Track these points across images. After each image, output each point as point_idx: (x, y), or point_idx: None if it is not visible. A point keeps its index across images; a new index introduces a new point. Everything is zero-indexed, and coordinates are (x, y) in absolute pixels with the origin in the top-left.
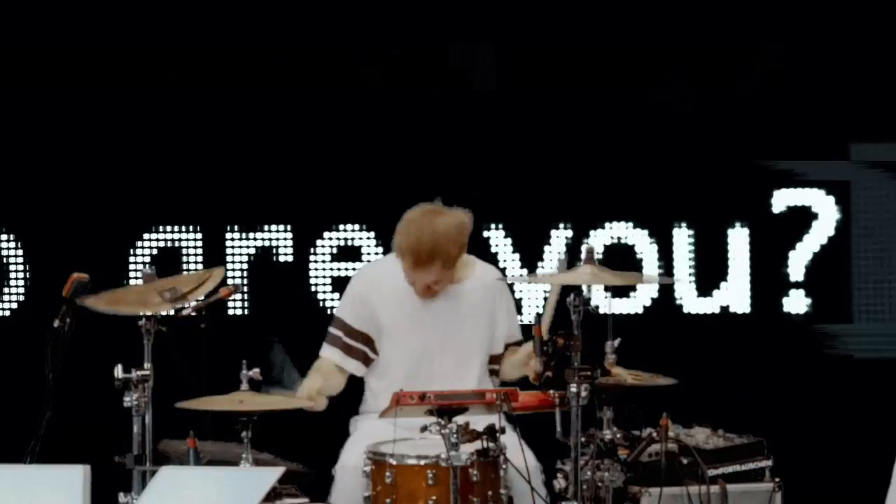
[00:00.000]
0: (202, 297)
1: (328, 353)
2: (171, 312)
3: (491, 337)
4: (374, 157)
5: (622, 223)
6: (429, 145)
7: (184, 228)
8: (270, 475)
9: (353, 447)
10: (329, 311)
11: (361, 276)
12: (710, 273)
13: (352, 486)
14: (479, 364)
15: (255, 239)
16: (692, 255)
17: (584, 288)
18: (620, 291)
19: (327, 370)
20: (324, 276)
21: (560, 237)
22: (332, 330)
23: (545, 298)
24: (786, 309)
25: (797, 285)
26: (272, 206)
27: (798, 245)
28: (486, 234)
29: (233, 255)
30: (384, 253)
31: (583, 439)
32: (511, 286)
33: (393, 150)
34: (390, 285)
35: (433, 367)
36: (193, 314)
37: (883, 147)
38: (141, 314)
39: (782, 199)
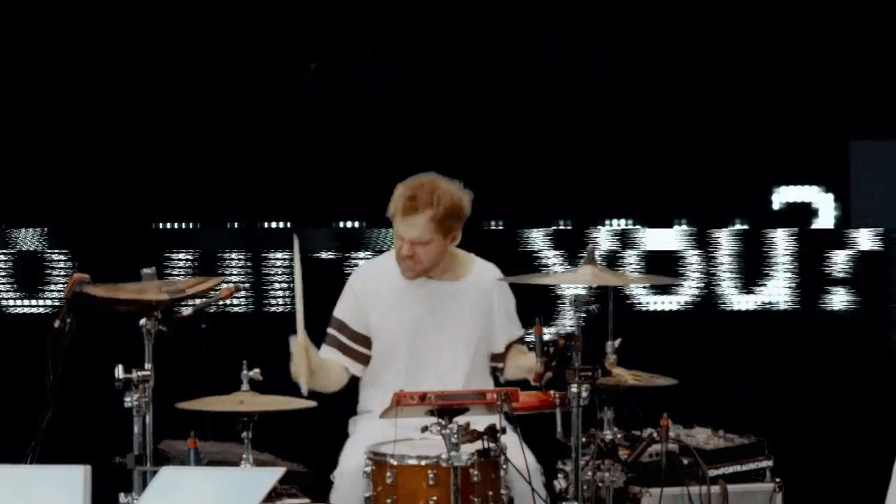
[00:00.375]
0: (199, 296)
1: (327, 353)
2: (167, 300)
3: (489, 335)
4: (373, 153)
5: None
6: (429, 139)
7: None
8: (271, 475)
9: (351, 451)
10: None
11: (357, 275)
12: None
13: (350, 492)
14: (473, 361)
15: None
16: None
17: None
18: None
19: (331, 364)
20: None
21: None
22: (330, 330)
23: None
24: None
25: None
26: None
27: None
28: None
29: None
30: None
31: (583, 440)
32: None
33: (393, 144)
34: (386, 281)
35: (427, 363)
36: (194, 315)
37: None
38: (138, 299)
39: (781, 197)
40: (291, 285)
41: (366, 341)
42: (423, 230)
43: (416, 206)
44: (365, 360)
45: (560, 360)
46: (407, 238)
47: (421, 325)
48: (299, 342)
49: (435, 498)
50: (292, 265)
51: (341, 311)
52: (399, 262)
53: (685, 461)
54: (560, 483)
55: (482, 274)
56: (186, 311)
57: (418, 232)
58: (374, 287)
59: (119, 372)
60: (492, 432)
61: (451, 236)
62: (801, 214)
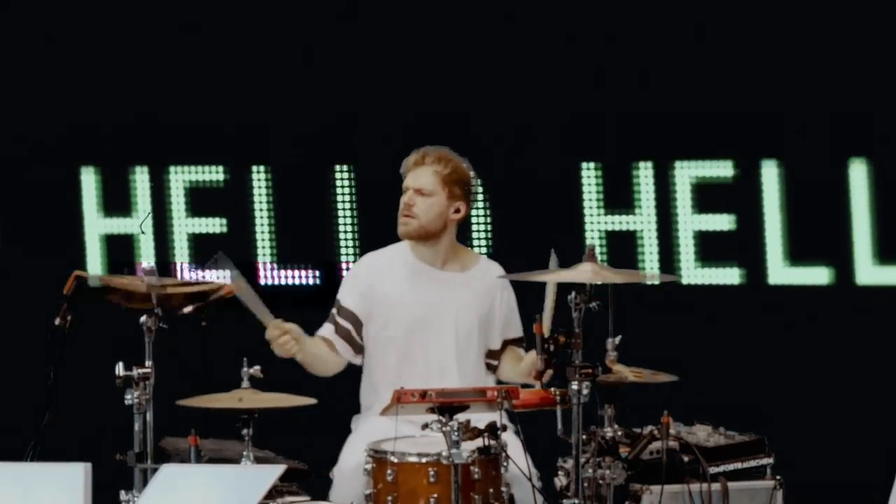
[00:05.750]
0: (200, 295)
1: (322, 329)
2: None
3: (488, 329)
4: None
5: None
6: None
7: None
8: (271, 473)
9: (351, 448)
10: None
11: (363, 262)
12: None
13: (349, 489)
14: (472, 353)
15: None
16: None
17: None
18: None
19: (317, 339)
20: None
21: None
22: (331, 312)
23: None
24: None
25: None
26: None
27: None
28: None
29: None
30: None
31: (584, 437)
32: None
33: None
34: (391, 270)
35: (428, 352)
36: (195, 312)
37: None
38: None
39: None
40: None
41: (358, 325)
42: (428, 180)
43: (424, 161)
44: (352, 342)
45: (560, 357)
46: (412, 186)
47: (424, 314)
48: (273, 325)
49: (435, 495)
50: None
51: (341, 292)
52: (398, 221)
53: (686, 458)
54: (561, 480)
55: (487, 270)
56: (187, 308)
57: (423, 180)
58: (379, 275)
59: (120, 369)
60: (492, 430)
61: (455, 206)
62: None
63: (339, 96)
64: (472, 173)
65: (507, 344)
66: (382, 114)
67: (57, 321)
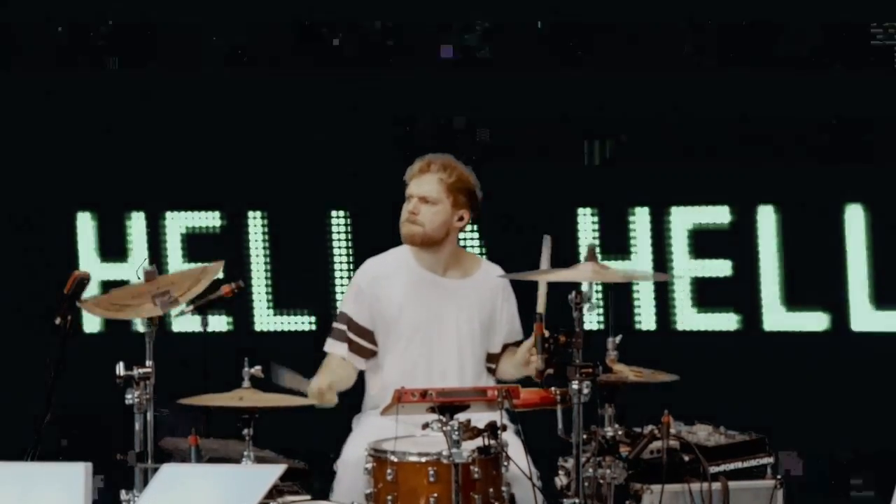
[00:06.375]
0: (199, 295)
1: (334, 347)
2: (165, 314)
3: (489, 334)
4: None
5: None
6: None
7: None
8: (272, 472)
9: (355, 442)
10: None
11: (364, 271)
12: None
13: (353, 482)
14: (474, 358)
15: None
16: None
17: (586, 285)
18: None
19: (336, 364)
20: None
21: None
22: (337, 325)
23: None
24: None
25: None
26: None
27: None
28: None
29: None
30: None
31: (584, 436)
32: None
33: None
34: (392, 277)
35: (431, 358)
36: (195, 312)
37: None
38: (136, 318)
39: None
40: None
41: (370, 336)
42: (432, 188)
43: (430, 169)
44: (369, 354)
45: (561, 356)
46: (416, 194)
47: (426, 320)
48: (314, 392)
49: (435, 495)
50: None
51: (347, 306)
52: (402, 227)
53: (686, 458)
54: (561, 480)
55: (489, 274)
56: (187, 308)
57: (427, 188)
58: (380, 283)
59: (120, 369)
60: (492, 429)
61: (459, 214)
62: None
63: (334, 141)
64: (475, 181)
65: (507, 347)
66: (378, 160)
67: (57, 321)
